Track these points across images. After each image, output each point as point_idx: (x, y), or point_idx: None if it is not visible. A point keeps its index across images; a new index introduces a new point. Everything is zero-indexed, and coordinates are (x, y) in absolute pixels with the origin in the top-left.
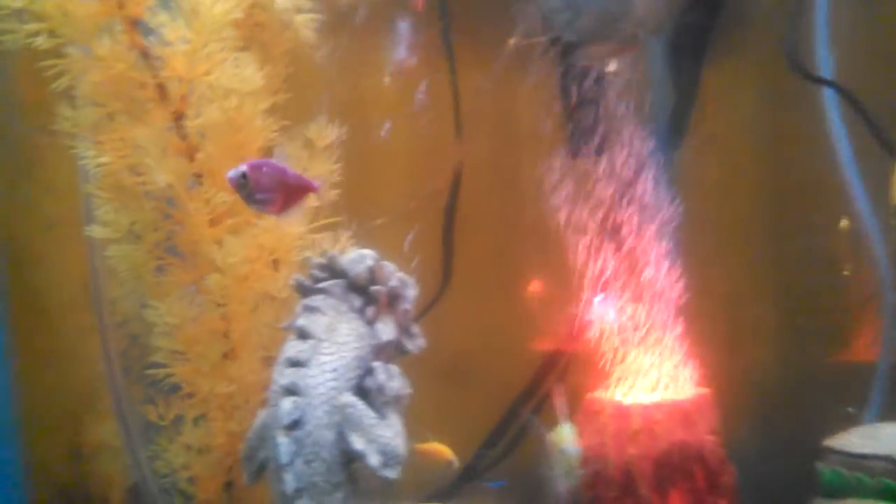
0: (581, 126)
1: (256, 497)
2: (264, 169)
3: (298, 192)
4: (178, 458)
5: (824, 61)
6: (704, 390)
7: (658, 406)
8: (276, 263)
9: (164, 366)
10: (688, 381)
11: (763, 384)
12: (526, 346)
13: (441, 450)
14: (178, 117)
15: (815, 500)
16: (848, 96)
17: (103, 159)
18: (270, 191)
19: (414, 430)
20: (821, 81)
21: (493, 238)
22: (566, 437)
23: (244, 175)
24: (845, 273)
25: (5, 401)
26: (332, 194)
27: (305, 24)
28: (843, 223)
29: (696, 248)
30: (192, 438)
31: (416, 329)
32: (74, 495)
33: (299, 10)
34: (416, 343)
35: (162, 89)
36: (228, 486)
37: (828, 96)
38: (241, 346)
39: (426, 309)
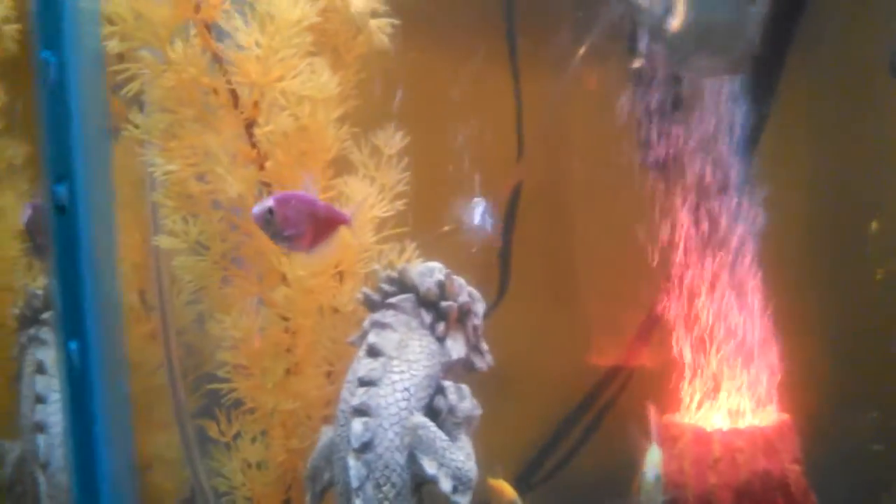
0: (653, 136)
1: None
2: (292, 202)
3: (329, 225)
4: (237, 474)
5: None
6: (786, 416)
7: (739, 433)
8: (341, 276)
9: (227, 380)
10: (771, 405)
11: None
12: (584, 360)
13: (506, 489)
14: (250, 124)
15: None
16: None
17: (171, 167)
18: (299, 226)
19: (486, 462)
20: None
21: (553, 250)
22: (651, 462)
23: (270, 211)
24: None
25: None
26: (399, 204)
27: (380, 29)
28: None
29: (780, 262)
30: (252, 454)
31: (485, 346)
32: None
33: (374, 14)
34: (486, 360)
35: (234, 95)
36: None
37: None
38: (304, 362)
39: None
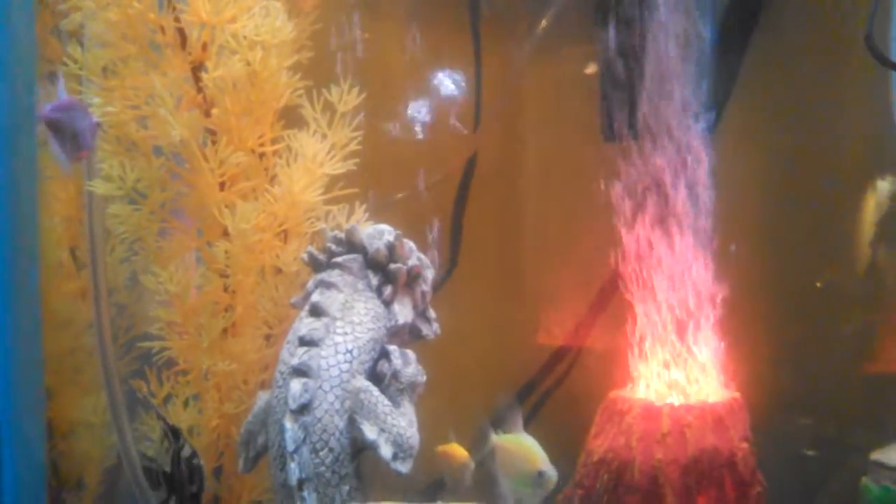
0: (615, 107)
1: (247, 485)
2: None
3: None
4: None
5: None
6: (737, 394)
7: (689, 408)
8: (285, 234)
9: (159, 338)
10: (718, 382)
11: (802, 389)
12: (532, 337)
13: (457, 451)
14: (197, 67)
15: None
16: None
17: (110, 108)
18: None
19: (435, 430)
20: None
21: (504, 224)
22: (541, 456)
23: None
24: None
25: None
26: (350, 164)
27: None
28: None
29: (735, 237)
30: (183, 419)
31: (432, 313)
32: (48, 475)
33: None
34: (433, 328)
35: (182, 35)
36: (218, 471)
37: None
38: (243, 322)
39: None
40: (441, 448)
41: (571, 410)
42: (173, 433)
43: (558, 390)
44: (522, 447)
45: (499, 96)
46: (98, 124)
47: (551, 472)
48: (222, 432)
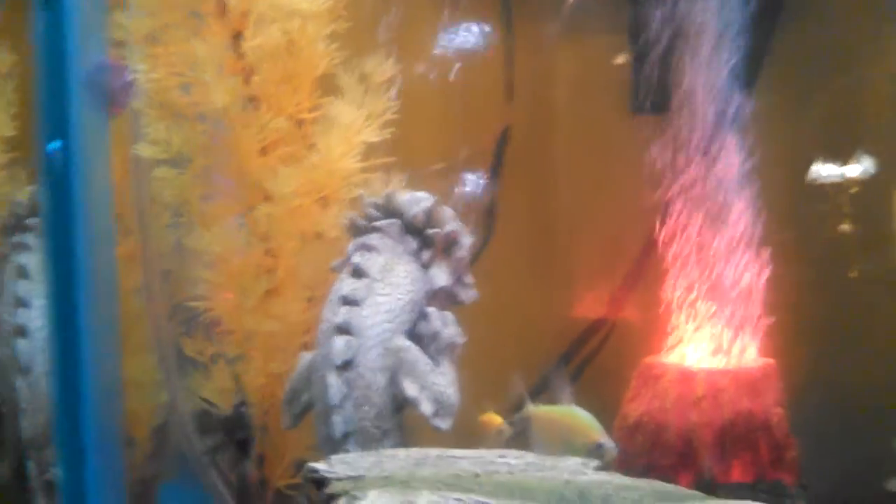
0: (646, 82)
1: (290, 443)
2: None
3: None
4: (213, 398)
5: None
6: (771, 360)
7: (724, 373)
8: (324, 200)
9: (203, 299)
10: (753, 349)
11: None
12: (567, 309)
13: (494, 419)
14: (237, 35)
15: (891, 480)
16: None
17: (155, 74)
18: None
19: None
20: None
21: (541, 196)
22: (597, 428)
23: None
24: None
25: None
26: (387, 133)
27: None
28: None
29: (770, 209)
30: (229, 379)
31: (469, 278)
32: None
33: None
34: (469, 294)
35: (221, 3)
36: (263, 430)
37: None
38: (286, 284)
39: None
40: (481, 417)
41: (610, 379)
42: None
43: (596, 360)
44: (575, 419)
45: (531, 69)
46: (132, 83)
47: (610, 443)
48: (267, 392)
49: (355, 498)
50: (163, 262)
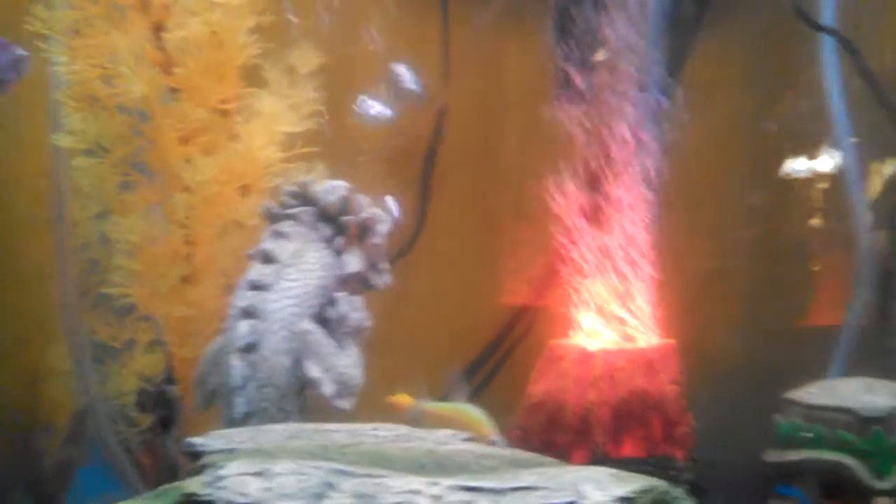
0: (569, 71)
1: (203, 426)
2: None
3: None
4: (127, 383)
5: (827, 8)
6: (669, 340)
7: (621, 353)
8: (245, 189)
9: (120, 286)
10: (654, 331)
11: (730, 338)
12: (496, 296)
13: (404, 399)
14: (158, 28)
15: (769, 451)
16: (846, 44)
17: (76, 66)
18: None
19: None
20: (821, 28)
21: (472, 186)
22: (490, 425)
23: None
24: (822, 225)
25: None
26: (310, 123)
27: None
28: None
29: (678, 198)
30: (144, 364)
31: (384, 265)
32: (18, 419)
33: None
34: (383, 279)
35: None
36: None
37: (826, 44)
38: (202, 271)
39: (400, 252)
40: (390, 398)
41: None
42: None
43: (521, 345)
44: (466, 415)
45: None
46: (23, 57)
47: (501, 440)
48: (182, 376)
49: (219, 468)
50: (90, 251)
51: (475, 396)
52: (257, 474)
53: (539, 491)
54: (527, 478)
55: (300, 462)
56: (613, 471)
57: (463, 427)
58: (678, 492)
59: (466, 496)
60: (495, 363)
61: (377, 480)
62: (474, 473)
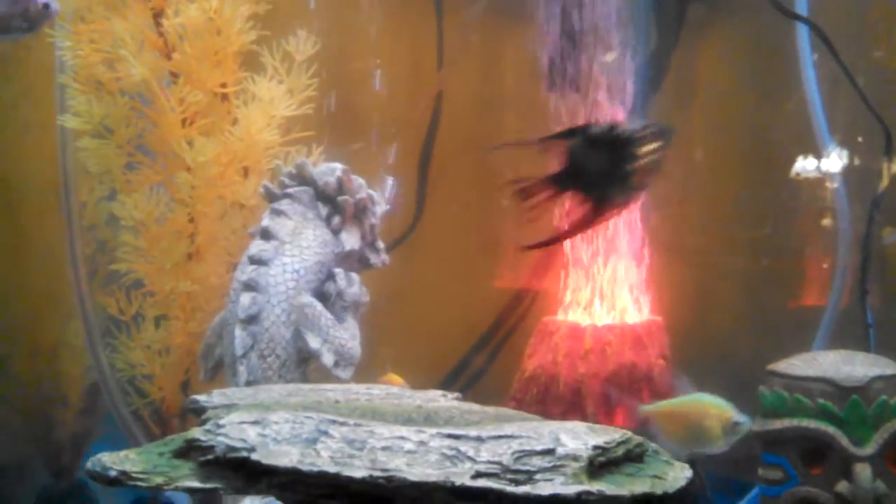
0: (560, 59)
1: None
2: None
3: None
4: (137, 356)
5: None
6: (657, 317)
7: (610, 328)
8: (245, 171)
9: (127, 261)
10: (645, 308)
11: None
12: (494, 282)
13: (394, 379)
14: (157, 14)
15: (756, 420)
16: (820, 34)
17: (80, 50)
18: None
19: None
20: (796, 17)
21: (468, 173)
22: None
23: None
24: (808, 216)
25: None
26: (306, 108)
27: None
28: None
29: (667, 188)
30: (152, 338)
31: (380, 244)
32: (34, 393)
33: None
34: (380, 258)
35: None
36: (185, 385)
37: (803, 36)
38: (205, 249)
39: (399, 239)
40: (382, 378)
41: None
42: None
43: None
44: (701, 404)
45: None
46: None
47: (744, 419)
48: (188, 349)
49: (220, 418)
50: (98, 232)
51: (476, 378)
52: (255, 423)
53: (519, 439)
54: (508, 429)
55: (295, 413)
56: (591, 424)
57: (701, 417)
58: (654, 445)
59: (450, 442)
60: (496, 344)
61: (367, 428)
62: (459, 425)
